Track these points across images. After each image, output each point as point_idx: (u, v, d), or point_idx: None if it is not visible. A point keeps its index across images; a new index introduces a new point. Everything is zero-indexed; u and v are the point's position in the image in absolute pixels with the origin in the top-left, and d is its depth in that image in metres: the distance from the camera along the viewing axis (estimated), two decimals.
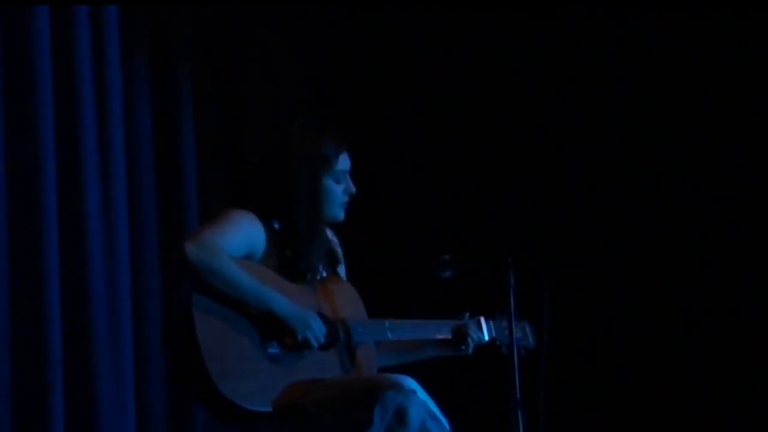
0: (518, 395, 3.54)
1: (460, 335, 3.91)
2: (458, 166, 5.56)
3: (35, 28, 4.38)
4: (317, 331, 3.58)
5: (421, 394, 3.48)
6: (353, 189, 3.79)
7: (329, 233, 3.88)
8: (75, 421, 4.44)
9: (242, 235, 3.61)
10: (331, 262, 3.85)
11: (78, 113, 4.55)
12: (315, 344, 3.57)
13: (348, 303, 3.78)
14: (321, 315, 3.64)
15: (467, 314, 3.95)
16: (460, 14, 5.54)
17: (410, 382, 3.48)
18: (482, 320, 3.96)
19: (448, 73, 5.59)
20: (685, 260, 5.21)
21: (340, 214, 3.80)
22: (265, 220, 3.68)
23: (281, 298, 3.55)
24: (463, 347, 3.91)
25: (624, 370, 5.26)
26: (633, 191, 5.34)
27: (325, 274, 3.81)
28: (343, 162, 3.77)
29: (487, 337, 3.95)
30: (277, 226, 3.70)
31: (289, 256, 3.69)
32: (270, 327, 3.53)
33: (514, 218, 5.36)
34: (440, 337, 3.91)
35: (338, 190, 3.76)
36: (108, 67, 4.67)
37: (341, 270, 3.91)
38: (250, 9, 5.33)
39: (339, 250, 3.92)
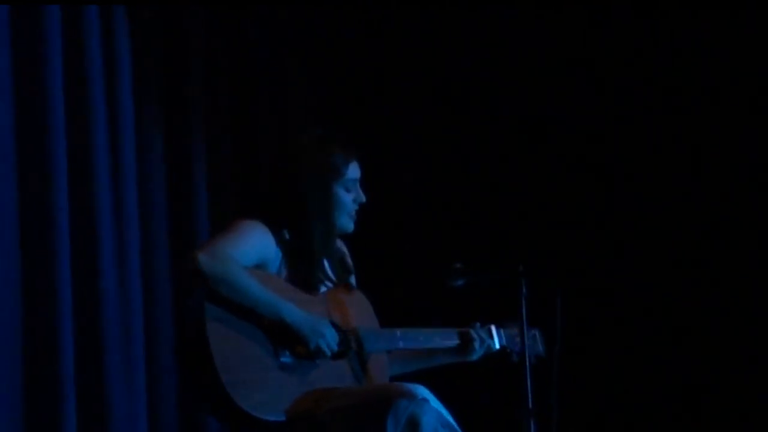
0: (530, 403, 3.55)
1: (468, 342, 3.92)
2: (469, 175, 5.56)
3: (47, 32, 4.39)
4: (330, 339, 3.59)
5: (434, 402, 3.49)
6: (363, 198, 3.81)
7: (338, 243, 3.89)
8: None
9: (253, 245, 3.62)
10: (342, 272, 3.86)
11: (89, 124, 4.56)
12: (328, 352, 3.58)
13: (359, 312, 3.79)
14: (333, 324, 3.65)
15: (478, 324, 3.96)
16: (477, 21, 5.55)
17: (423, 391, 3.49)
18: (493, 328, 3.97)
19: (459, 82, 5.60)
20: (699, 267, 5.19)
21: (350, 225, 3.81)
22: (276, 230, 3.69)
23: (293, 306, 3.56)
24: (471, 354, 3.93)
25: (636, 376, 5.25)
26: (646, 199, 5.33)
27: (335, 284, 3.81)
28: (353, 171, 3.78)
29: (497, 345, 3.96)
30: (287, 236, 3.71)
31: (301, 265, 3.71)
32: (282, 336, 3.54)
33: (525, 227, 5.36)
34: (449, 344, 3.93)
35: (348, 199, 3.77)
36: (119, 80, 4.69)
37: (351, 280, 3.92)
38: (259, 21, 5.37)
39: (349, 261, 3.93)
